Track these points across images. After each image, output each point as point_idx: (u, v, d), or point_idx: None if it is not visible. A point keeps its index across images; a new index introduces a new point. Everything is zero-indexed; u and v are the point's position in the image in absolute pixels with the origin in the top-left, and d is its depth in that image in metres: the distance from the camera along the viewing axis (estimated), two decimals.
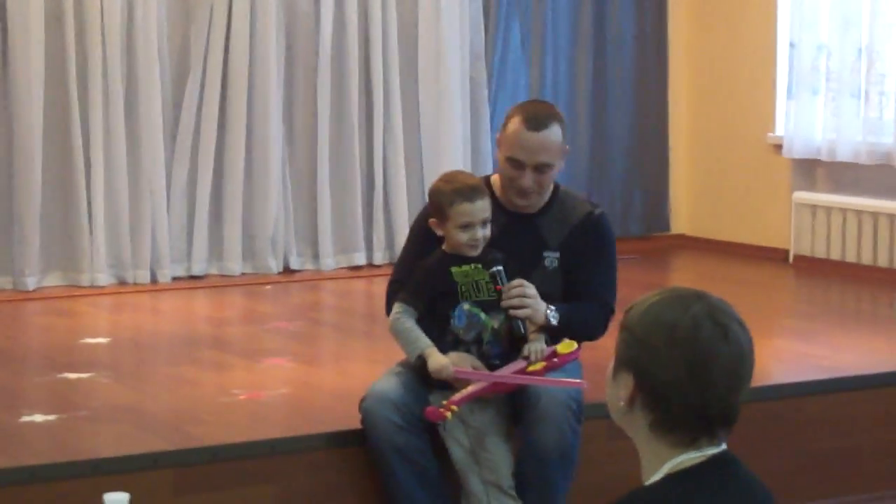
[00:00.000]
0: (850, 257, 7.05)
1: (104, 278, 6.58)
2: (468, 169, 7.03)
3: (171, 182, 6.77)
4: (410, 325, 3.86)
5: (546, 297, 3.89)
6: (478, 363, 3.85)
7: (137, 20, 6.60)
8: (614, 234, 4.17)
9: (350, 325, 6.09)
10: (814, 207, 7.23)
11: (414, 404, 3.83)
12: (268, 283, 6.81)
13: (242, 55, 6.82)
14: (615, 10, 7.77)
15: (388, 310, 3.95)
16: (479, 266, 3.85)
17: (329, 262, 7.08)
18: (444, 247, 3.90)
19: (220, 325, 6.02)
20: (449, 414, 3.73)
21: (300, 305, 6.45)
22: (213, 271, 6.91)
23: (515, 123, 3.95)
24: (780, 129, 7.44)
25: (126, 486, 3.36)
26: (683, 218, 8.07)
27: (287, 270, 7.02)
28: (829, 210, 7.15)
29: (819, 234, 7.21)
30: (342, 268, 7.12)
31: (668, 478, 2.01)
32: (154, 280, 6.71)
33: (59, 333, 5.70)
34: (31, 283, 6.44)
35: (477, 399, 3.81)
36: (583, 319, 3.98)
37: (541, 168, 3.93)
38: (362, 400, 3.89)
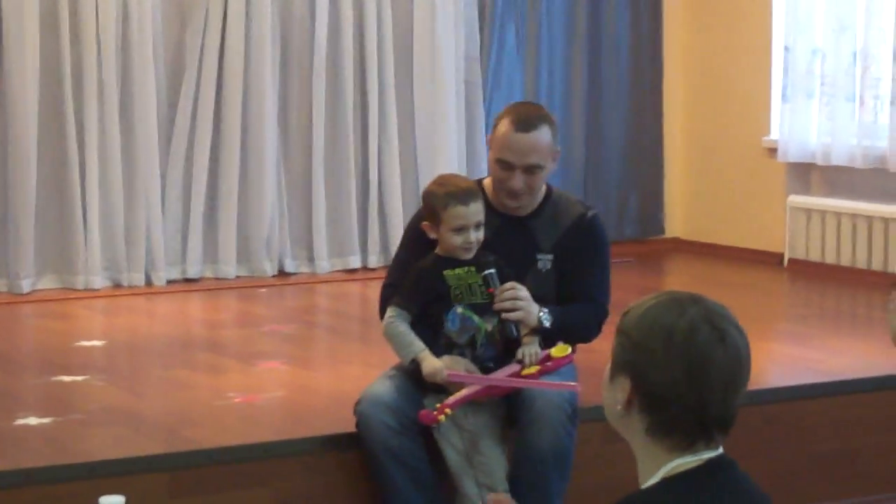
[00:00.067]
0: (845, 261, 7.05)
1: (99, 281, 6.58)
2: (463, 172, 7.04)
3: (165, 184, 6.77)
4: (404, 328, 3.86)
5: (540, 299, 3.89)
6: (472, 366, 3.85)
7: (132, 21, 6.59)
8: (608, 235, 4.17)
9: (345, 328, 6.09)
10: (808, 211, 7.23)
11: (408, 407, 3.82)
12: (263, 286, 6.81)
13: (237, 57, 6.82)
14: (610, 12, 7.77)
15: (382, 313, 3.95)
16: (472, 269, 3.85)
17: (324, 264, 7.07)
18: (437, 250, 3.90)
19: (214, 328, 6.02)
20: (442, 417, 3.73)
21: (295, 308, 6.44)
22: (208, 274, 6.91)
23: (504, 125, 3.96)
24: (775, 133, 7.44)
25: (121, 488, 3.35)
26: (678, 221, 8.08)
27: (282, 273, 7.02)
28: (823, 214, 7.16)
29: (814, 238, 7.21)
30: (337, 271, 7.11)
31: (665, 481, 2.01)
32: (149, 283, 6.70)
33: (53, 336, 5.69)
34: (25, 285, 6.44)
35: (471, 402, 3.81)
36: (576, 321, 3.98)
37: (530, 169, 3.94)
38: (357, 403, 3.89)
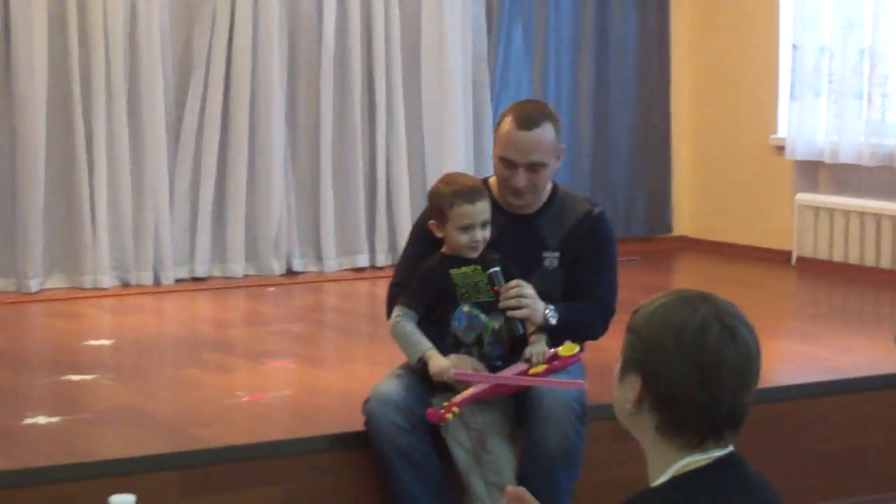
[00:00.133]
0: (853, 259, 7.05)
1: (107, 280, 6.58)
2: (471, 170, 7.03)
3: (173, 184, 6.78)
4: (411, 328, 3.86)
5: (546, 297, 3.88)
6: (479, 365, 3.85)
7: (140, 21, 6.60)
8: (614, 232, 4.16)
9: (353, 326, 6.09)
10: (816, 209, 7.23)
11: (416, 406, 3.83)
12: (271, 285, 6.81)
13: (245, 57, 6.82)
14: (617, 11, 7.77)
15: (389, 313, 3.95)
16: (478, 267, 3.85)
17: (332, 263, 7.08)
18: (443, 249, 3.90)
19: (223, 327, 6.02)
20: (449, 416, 3.73)
21: (303, 307, 6.45)
22: (216, 273, 6.92)
23: (507, 123, 3.96)
24: (783, 131, 7.44)
25: (130, 488, 3.35)
26: (686, 219, 8.07)
27: (290, 272, 7.02)
28: (831, 212, 7.15)
29: (822, 236, 7.21)
30: (345, 269, 7.12)
31: (675, 480, 2.01)
32: (157, 282, 6.71)
33: (62, 335, 5.70)
34: (34, 285, 6.45)
35: (479, 401, 3.81)
36: (582, 319, 3.97)
37: (533, 167, 3.93)
38: (365, 402, 3.89)
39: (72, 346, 5.41)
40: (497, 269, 3.84)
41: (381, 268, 7.11)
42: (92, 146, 6.53)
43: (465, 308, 3.86)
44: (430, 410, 3.78)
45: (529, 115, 3.96)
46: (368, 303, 6.56)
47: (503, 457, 3.84)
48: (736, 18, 7.74)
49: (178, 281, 6.77)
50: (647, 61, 7.90)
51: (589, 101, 7.74)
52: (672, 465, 2.02)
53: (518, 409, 3.89)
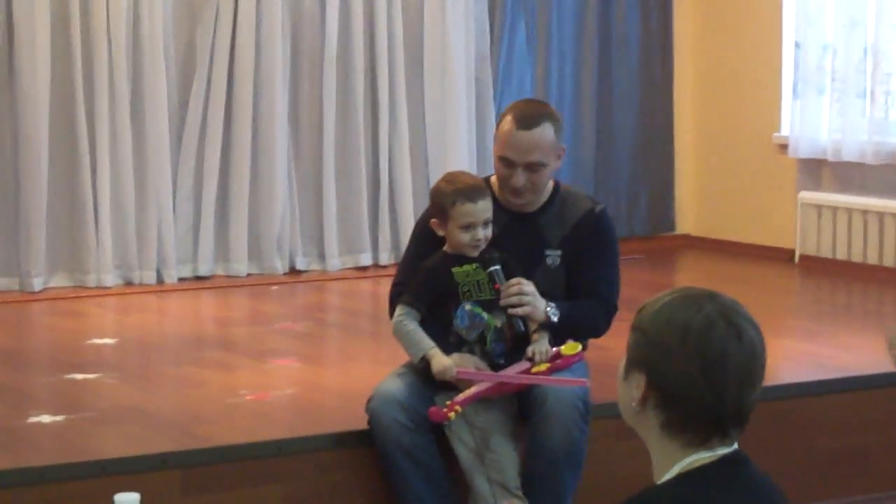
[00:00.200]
0: (856, 257, 7.05)
1: (110, 279, 6.59)
2: (473, 169, 7.03)
3: (177, 183, 6.78)
4: (413, 327, 3.86)
5: (548, 295, 3.88)
6: (481, 364, 3.86)
7: (143, 21, 6.60)
8: (616, 230, 4.16)
9: (356, 325, 6.10)
10: (819, 207, 7.23)
11: (420, 405, 3.83)
12: (274, 284, 6.81)
13: (248, 56, 6.82)
14: (621, 10, 7.77)
15: (392, 312, 3.95)
16: (480, 266, 3.85)
17: (335, 262, 7.08)
18: (445, 247, 3.90)
19: (226, 326, 6.02)
20: (452, 414, 3.73)
21: (306, 306, 6.45)
22: (219, 272, 6.92)
23: (507, 122, 3.96)
24: (786, 129, 7.44)
25: (133, 486, 3.35)
26: (689, 218, 8.07)
27: (293, 271, 7.02)
28: (834, 210, 7.15)
29: (825, 234, 7.20)
30: (348, 268, 7.12)
31: (680, 477, 2.01)
32: (160, 281, 6.71)
33: (65, 334, 5.71)
34: (37, 283, 6.45)
35: (482, 399, 3.81)
36: (584, 316, 3.97)
37: (532, 167, 3.93)
38: (369, 400, 3.90)
39: (75, 345, 5.41)
40: (497, 267, 3.84)
41: (384, 266, 7.11)
42: (95, 145, 6.53)
43: (468, 306, 3.87)
44: (432, 409, 3.78)
45: (529, 115, 3.96)
46: (371, 302, 6.56)
47: (506, 455, 3.84)
48: (739, 17, 7.74)
49: (181, 280, 6.77)
50: (650, 59, 7.89)
51: (592, 99, 7.73)
52: (677, 462, 2.02)
53: (521, 407, 3.89)
